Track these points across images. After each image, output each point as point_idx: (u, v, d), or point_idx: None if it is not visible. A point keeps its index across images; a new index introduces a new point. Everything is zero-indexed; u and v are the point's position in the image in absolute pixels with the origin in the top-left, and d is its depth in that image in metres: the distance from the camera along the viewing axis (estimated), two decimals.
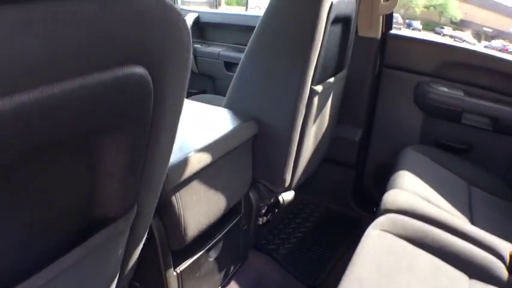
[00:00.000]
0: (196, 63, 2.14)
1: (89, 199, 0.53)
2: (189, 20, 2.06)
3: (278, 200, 1.38)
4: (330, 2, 1.11)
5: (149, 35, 0.43)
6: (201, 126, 1.07)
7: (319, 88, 1.22)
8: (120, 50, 0.41)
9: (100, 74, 0.39)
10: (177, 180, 0.84)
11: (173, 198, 0.86)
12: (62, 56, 0.35)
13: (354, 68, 1.64)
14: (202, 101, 1.83)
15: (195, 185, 0.93)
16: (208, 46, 2.13)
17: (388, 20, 1.73)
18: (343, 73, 1.52)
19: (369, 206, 1.85)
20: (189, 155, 0.87)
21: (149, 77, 0.45)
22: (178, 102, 0.55)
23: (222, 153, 1.00)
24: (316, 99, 1.22)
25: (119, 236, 0.61)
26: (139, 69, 0.43)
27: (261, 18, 1.14)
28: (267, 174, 1.27)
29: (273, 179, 1.27)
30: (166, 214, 0.88)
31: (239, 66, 1.21)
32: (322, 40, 1.13)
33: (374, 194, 1.88)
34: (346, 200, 1.91)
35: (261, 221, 1.40)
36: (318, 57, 1.15)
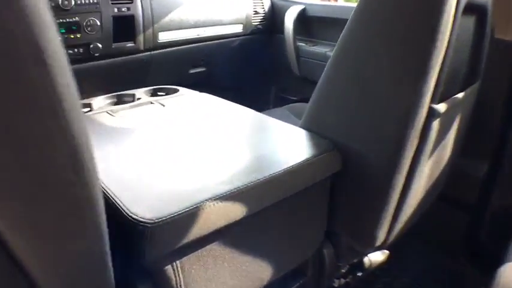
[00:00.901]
0: (298, 65, 1.82)
1: None
2: (293, 13, 1.74)
3: (363, 262, 1.00)
4: None
5: None
6: (255, 153, 0.75)
7: (442, 107, 0.81)
8: None
9: None
10: (171, 245, 0.53)
11: (168, 268, 0.56)
12: None
13: (485, 82, 1.18)
14: (298, 112, 1.52)
15: (216, 248, 0.61)
16: (314, 45, 1.78)
17: None
18: (475, 86, 1.08)
19: (483, 262, 1.45)
20: (205, 203, 0.55)
21: None
22: None
23: (276, 199, 0.67)
24: (436, 124, 0.82)
25: None
26: None
27: (356, 5, 0.78)
28: (349, 227, 0.89)
29: (358, 234, 0.89)
30: (161, 284, 0.58)
31: (323, 74, 0.86)
32: (450, 37, 0.74)
33: (491, 248, 1.43)
34: (454, 251, 1.49)
35: (337, 283, 1.03)
36: (443, 62, 0.75)
